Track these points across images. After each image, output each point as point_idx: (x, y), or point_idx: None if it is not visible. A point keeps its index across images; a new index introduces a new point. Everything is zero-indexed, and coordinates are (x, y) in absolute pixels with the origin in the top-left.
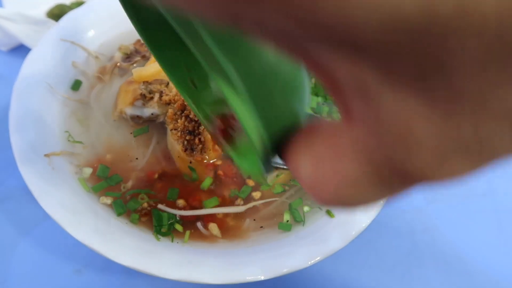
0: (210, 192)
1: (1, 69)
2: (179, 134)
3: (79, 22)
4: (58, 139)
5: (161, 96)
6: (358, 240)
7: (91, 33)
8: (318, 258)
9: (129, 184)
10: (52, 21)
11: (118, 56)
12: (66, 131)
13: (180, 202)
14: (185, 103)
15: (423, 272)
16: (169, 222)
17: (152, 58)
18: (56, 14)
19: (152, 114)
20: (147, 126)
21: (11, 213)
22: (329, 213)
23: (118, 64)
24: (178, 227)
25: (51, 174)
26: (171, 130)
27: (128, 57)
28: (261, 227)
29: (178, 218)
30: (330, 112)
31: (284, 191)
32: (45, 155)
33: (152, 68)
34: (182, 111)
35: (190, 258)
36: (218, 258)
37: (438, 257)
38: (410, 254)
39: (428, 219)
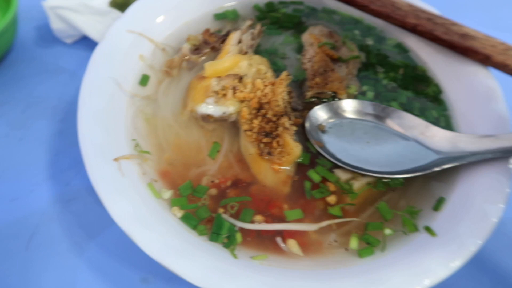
0: (291, 200)
1: (65, 62)
2: (254, 136)
3: (145, 12)
4: (126, 141)
5: (234, 92)
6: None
7: (158, 23)
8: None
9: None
10: (115, 11)
11: (186, 47)
12: (134, 139)
13: (257, 218)
14: (262, 101)
15: None
16: (228, 232)
17: (224, 50)
18: (119, 3)
19: (224, 113)
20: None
21: (78, 215)
22: (428, 230)
23: (187, 56)
24: (238, 237)
25: (121, 181)
26: (245, 131)
27: (197, 48)
28: (346, 248)
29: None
30: (422, 109)
31: None
32: (115, 159)
33: (226, 62)
34: (259, 110)
35: (270, 282)
36: (302, 281)
37: None
38: None
39: None
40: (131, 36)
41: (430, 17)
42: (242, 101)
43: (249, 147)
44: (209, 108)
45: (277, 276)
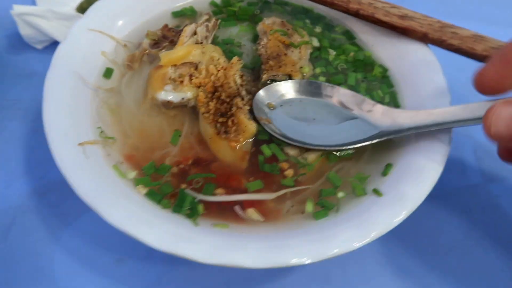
0: (249, 174)
1: (37, 66)
2: (211, 117)
3: (105, 11)
4: (91, 129)
5: (190, 79)
6: (409, 221)
7: (118, 21)
8: (367, 239)
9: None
10: (81, 16)
11: (146, 42)
12: (98, 127)
13: (219, 191)
14: (216, 85)
15: (483, 255)
16: (190, 205)
17: (179, 42)
18: (86, 8)
19: (183, 99)
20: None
21: (53, 206)
22: (376, 192)
23: (147, 51)
24: (200, 208)
25: (86, 163)
26: (203, 113)
27: (156, 43)
28: (302, 212)
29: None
30: (369, 89)
31: None
32: (79, 144)
33: (180, 51)
34: (213, 93)
35: (232, 242)
36: (260, 242)
37: (500, 239)
38: (467, 236)
39: (486, 199)
40: (93, 34)
41: (371, 2)
42: (198, 87)
43: (207, 128)
44: (168, 94)
45: (233, 238)
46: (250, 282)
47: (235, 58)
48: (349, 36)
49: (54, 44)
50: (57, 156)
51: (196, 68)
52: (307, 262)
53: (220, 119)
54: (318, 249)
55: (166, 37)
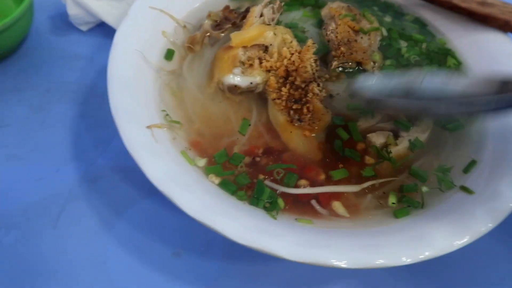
0: (325, 164)
1: (81, 49)
2: (284, 103)
3: None
4: (156, 111)
5: (260, 62)
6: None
7: (177, 1)
8: (465, 240)
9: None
10: None
11: (207, 24)
12: (163, 110)
13: (302, 182)
14: (290, 69)
15: None
16: (270, 197)
17: (248, 22)
18: None
19: (251, 83)
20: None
21: (104, 193)
22: (464, 189)
23: (208, 33)
24: (280, 202)
25: (155, 146)
26: (274, 100)
27: (218, 24)
28: (383, 207)
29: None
30: None
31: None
32: (147, 127)
33: (252, 31)
34: (286, 78)
35: (317, 239)
36: (347, 239)
37: None
38: None
39: None
40: (153, 13)
41: None
42: (269, 71)
43: (278, 116)
44: (236, 78)
45: (318, 235)
46: (317, 282)
47: (310, 41)
48: (420, 23)
49: (99, 26)
50: (126, 139)
51: (265, 50)
52: (406, 262)
53: (294, 106)
54: (416, 248)
55: (228, 19)
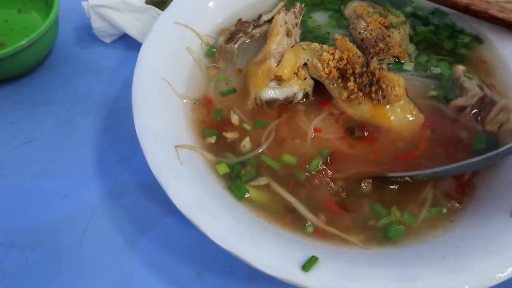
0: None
1: (105, 61)
2: (360, 94)
3: (189, 5)
4: (184, 132)
5: (296, 74)
6: None
7: (202, 16)
8: None
9: None
10: (153, 8)
11: (221, 40)
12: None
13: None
14: (341, 66)
15: None
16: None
17: (274, 32)
18: (156, 1)
19: (291, 94)
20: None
21: (129, 210)
22: None
23: (223, 48)
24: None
25: (181, 170)
26: (347, 97)
27: (230, 37)
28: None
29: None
30: None
31: None
32: (176, 146)
33: (289, 59)
34: (342, 76)
35: (351, 270)
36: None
37: None
38: None
39: None
40: (178, 28)
41: None
42: (304, 78)
43: (361, 108)
44: (275, 92)
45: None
46: None
47: (336, 35)
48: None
49: (122, 38)
50: (151, 163)
51: (303, 66)
52: None
53: (373, 88)
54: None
55: (239, 30)
